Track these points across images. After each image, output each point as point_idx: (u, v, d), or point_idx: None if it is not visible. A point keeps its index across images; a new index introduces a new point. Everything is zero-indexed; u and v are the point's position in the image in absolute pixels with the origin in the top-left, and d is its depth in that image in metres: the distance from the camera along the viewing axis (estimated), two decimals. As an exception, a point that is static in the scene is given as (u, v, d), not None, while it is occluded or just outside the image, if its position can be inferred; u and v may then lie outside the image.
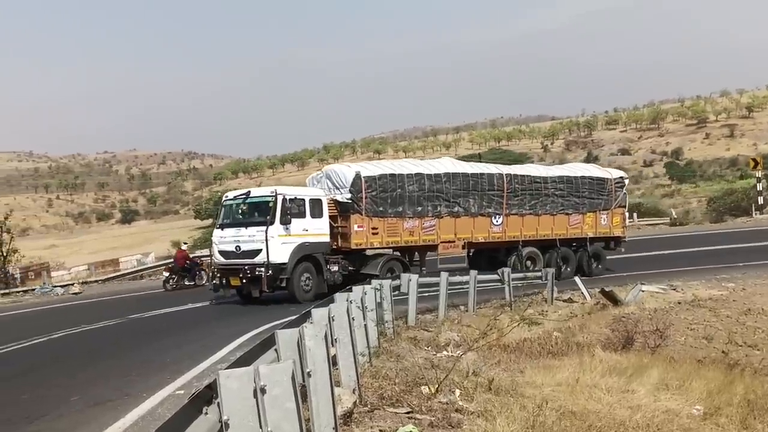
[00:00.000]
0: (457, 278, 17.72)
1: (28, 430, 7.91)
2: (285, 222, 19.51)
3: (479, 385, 8.76)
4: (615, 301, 18.44)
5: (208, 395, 4.02)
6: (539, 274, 20.09)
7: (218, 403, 3.98)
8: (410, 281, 15.25)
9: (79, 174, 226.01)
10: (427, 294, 16.50)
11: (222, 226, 20.82)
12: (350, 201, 21.01)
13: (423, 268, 22.44)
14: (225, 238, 20.31)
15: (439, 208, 22.86)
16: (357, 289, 10.75)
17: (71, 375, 11.21)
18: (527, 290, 20.53)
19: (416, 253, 23.13)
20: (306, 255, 20.08)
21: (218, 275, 20.52)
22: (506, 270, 18.79)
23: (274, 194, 19.87)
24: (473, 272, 17.77)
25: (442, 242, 23.00)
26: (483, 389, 8.61)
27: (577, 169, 28.53)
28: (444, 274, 16.65)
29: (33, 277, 39.10)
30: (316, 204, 20.63)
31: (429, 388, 8.34)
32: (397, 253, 22.40)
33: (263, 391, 4.04)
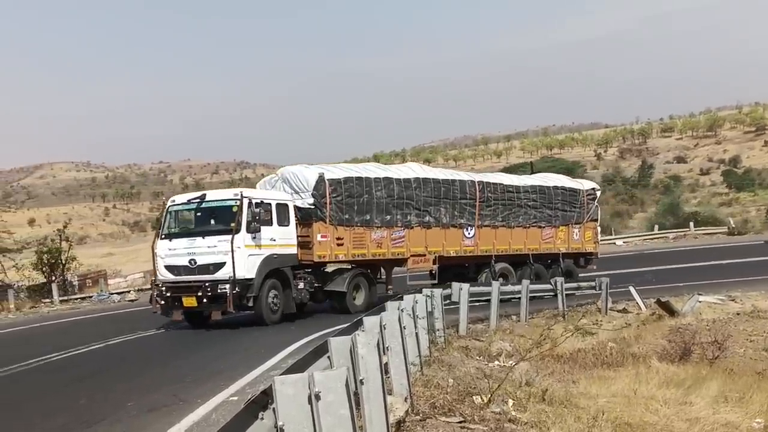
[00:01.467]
0: (509, 287, 17.62)
1: (86, 434, 8.06)
2: (253, 230, 16.73)
3: (532, 395, 8.67)
4: (671, 311, 18.08)
5: (263, 401, 4.05)
6: (593, 283, 19.81)
7: (273, 408, 4.01)
8: (461, 290, 15.18)
9: (135, 183, 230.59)
10: (477, 303, 16.42)
11: (169, 237, 17.49)
12: (313, 207, 18.41)
13: (389, 287, 20.25)
14: (174, 251, 17.10)
15: (409, 218, 20.56)
16: (408, 298, 10.74)
17: (128, 380, 11.41)
18: (580, 300, 20.30)
19: (381, 268, 20.70)
20: (273, 269, 17.33)
21: (166, 295, 17.00)
22: (560, 279, 18.58)
23: (239, 197, 16.96)
24: (525, 282, 17.65)
25: (412, 256, 20.59)
26: (536, 400, 8.52)
27: (549, 178, 26.71)
28: (495, 283, 16.58)
29: (90, 284, 39.93)
30: (282, 209, 17.92)
31: (481, 398, 8.28)
32: (361, 269, 19.67)
33: (318, 397, 4.07)
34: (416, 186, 20.74)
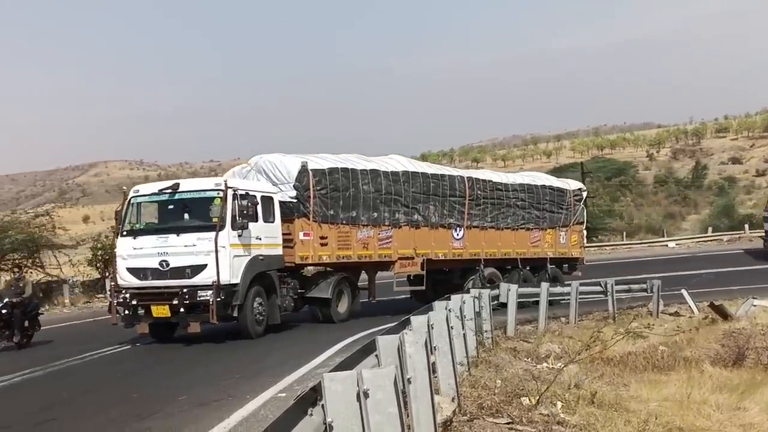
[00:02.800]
0: (558, 289, 17.48)
1: (140, 427, 8.22)
2: (239, 227, 14.37)
3: (581, 398, 8.59)
4: (725, 315, 17.72)
5: (312, 397, 4.09)
6: (644, 286, 19.52)
7: (322, 405, 4.05)
8: (509, 291, 15.11)
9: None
10: (526, 305, 16.33)
11: (133, 233, 14.86)
12: (295, 201, 16.36)
13: (372, 298, 18.59)
14: (140, 251, 14.54)
15: (396, 215, 18.54)
16: (456, 298, 10.72)
17: (178, 375, 11.61)
18: (631, 303, 20.02)
19: (362, 272, 18.86)
20: (259, 273, 15.02)
21: (130, 303, 14.45)
22: (610, 281, 18.34)
23: (222, 188, 14.54)
24: (575, 283, 17.48)
25: (399, 258, 18.50)
26: (585, 402, 8.44)
27: (537, 177, 24.99)
28: (545, 284, 16.46)
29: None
30: (267, 203, 15.58)
31: (529, 400, 8.24)
32: (344, 273, 17.79)
33: (366, 395, 4.09)
34: (405, 180, 18.81)
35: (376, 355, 6.12)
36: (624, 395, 9.37)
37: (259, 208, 15.12)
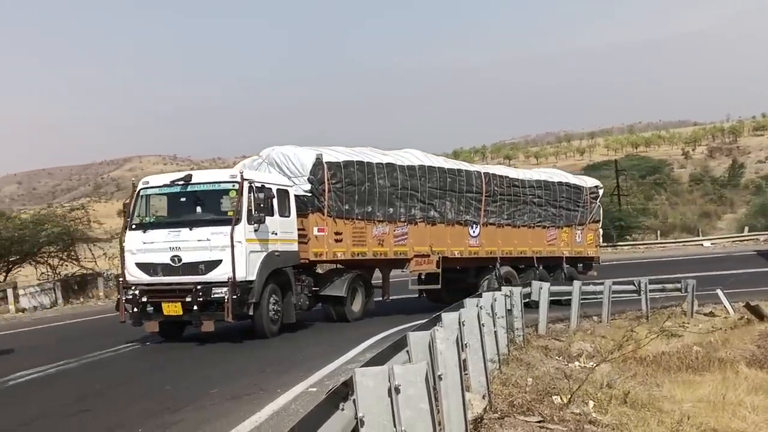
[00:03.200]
0: (590, 287, 17.32)
1: (173, 419, 8.30)
2: (256, 220, 13.82)
3: (614, 397, 8.53)
4: (761, 315, 17.45)
5: (344, 392, 4.11)
6: (679, 285, 19.28)
7: (354, 400, 4.06)
8: (541, 289, 15.04)
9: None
10: (558, 303, 16.22)
11: (143, 227, 14.32)
12: (309, 194, 15.76)
13: (387, 296, 18.12)
14: (151, 245, 13.95)
15: (413, 211, 18.03)
16: (487, 296, 10.68)
17: (210, 368, 11.70)
18: (664, 302, 19.79)
19: (375, 271, 18.40)
20: (274, 270, 14.44)
21: (140, 301, 13.85)
22: (644, 280, 18.13)
23: (237, 179, 13.95)
24: (608, 281, 17.30)
25: (415, 256, 18.04)
26: (618, 402, 8.38)
27: (554, 174, 24.14)
28: (577, 283, 16.35)
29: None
30: (283, 197, 15.03)
31: (561, 398, 8.19)
32: (358, 271, 17.17)
33: (398, 390, 4.10)
34: (421, 175, 18.27)
35: (407, 351, 6.11)
36: (657, 395, 9.28)
37: (275, 201, 14.59)
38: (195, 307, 13.44)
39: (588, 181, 24.59)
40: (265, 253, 14.14)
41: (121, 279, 14.63)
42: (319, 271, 17.27)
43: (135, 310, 13.98)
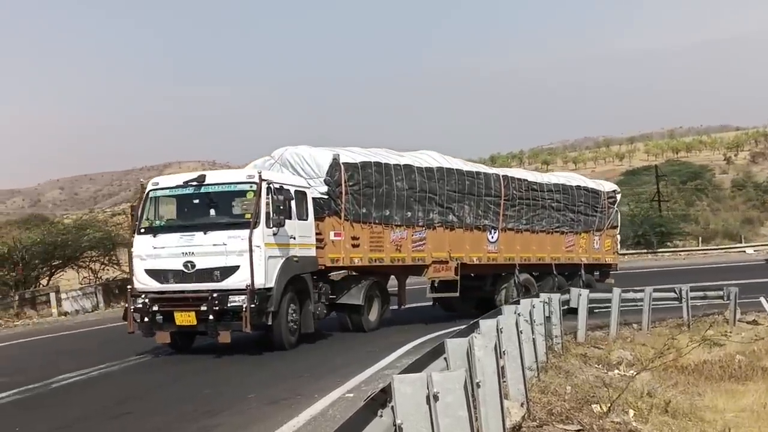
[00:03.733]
0: (630, 295, 17.11)
1: (212, 422, 8.39)
2: (276, 224, 12.98)
3: (654, 406, 8.42)
4: (806, 325, 17.08)
5: (382, 398, 4.11)
6: (721, 293, 18.95)
7: (392, 407, 4.06)
8: (580, 296, 14.90)
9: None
10: (596, 310, 16.04)
11: (153, 231, 13.48)
12: (326, 197, 14.95)
13: (402, 305, 17.43)
14: (162, 250, 13.16)
15: (431, 215, 17.18)
16: (525, 302, 10.62)
17: (249, 373, 11.78)
18: (706, 310, 19.48)
19: (390, 277, 17.46)
20: (293, 276, 13.64)
21: (151, 310, 13.02)
22: (685, 287, 17.86)
23: (255, 180, 13.09)
24: (648, 288, 17.07)
25: (433, 262, 17.22)
26: (659, 411, 8.27)
27: (571, 178, 23.25)
28: (616, 290, 16.14)
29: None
30: (302, 199, 14.26)
31: (600, 407, 8.10)
32: (374, 278, 16.34)
33: (436, 397, 4.08)
34: (439, 177, 17.45)
35: (445, 359, 6.10)
36: (699, 405, 9.15)
37: (293, 203, 13.78)
38: (211, 317, 12.61)
39: (605, 186, 23.91)
40: (283, 259, 13.35)
41: (129, 287, 13.69)
42: (333, 277, 16.30)
43: (145, 319, 13.11)
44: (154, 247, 13.21)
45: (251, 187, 13.18)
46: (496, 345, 6.13)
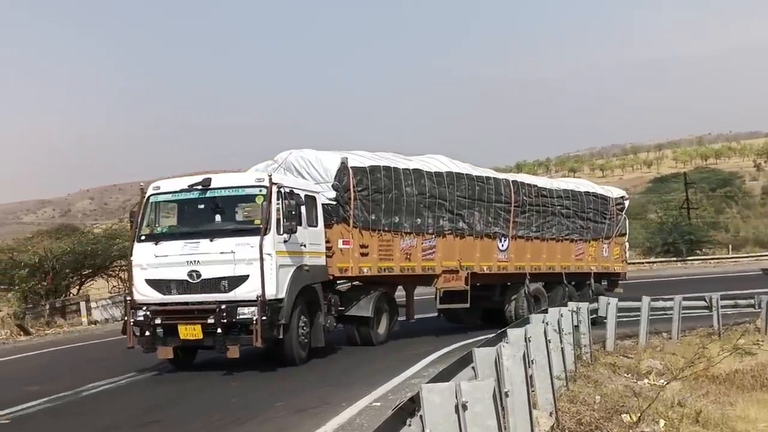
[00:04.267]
0: (660, 303, 16.95)
1: (240, 431, 8.42)
2: (288, 230, 12.30)
3: (685, 416, 8.32)
4: (840, 334, 16.80)
5: (411, 408, 4.10)
6: (752, 301, 18.70)
7: (421, 416, 4.05)
8: (609, 305, 14.79)
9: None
10: (625, 319, 15.90)
11: (154, 238, 12.74)
12: (334, 203, 14.24)
13: (411, 317, 16.51)
14: (164, 259, 12.38)
15: (441, 222, 16.40)
16: (553, 311, 10.57)
17: (276, 382, 11.80)
18: (737, 319, 19.23)
19: (398, 286, 16.61)
20: (304, 287, 12.92)
21: (153, 323, 12.23)
22: (715, 295, 17.65)
23: (265, 183, 12.40)
24: (678, 297, 16.89)
25: (444, 272, 16.41)
26: (690, 421, 8.18)
27: (579, 184, 22.66)
28: (646, 298, 15.98)
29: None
30: (311, 204, 13.57)
31: (630, 417, 8.03)
32: (382, 288, 15.47)
33: (465, 407, 4.07)
34: (449, 182, 16.65)
35: (473, 368, 6.08)
36: (731, 415, 9.02)
37: (303, 209, 13.08)
38: (219, 330, 11.84)
39: (613, 192, 23.00)
40: (294, 268, 12.62)
41: (128, 298, 12.85)
42: (339, 288, 15.40)
43: (146, 333, 12.29)
44: (156, 256, 12.44)
45: (260, 191, 12.40)
46: (524, 354, 6.10)
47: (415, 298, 16.84)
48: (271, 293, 11.90)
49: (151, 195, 13.07)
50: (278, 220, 12.22)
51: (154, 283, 12.41)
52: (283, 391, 10.76)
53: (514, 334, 7.52)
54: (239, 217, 13.11)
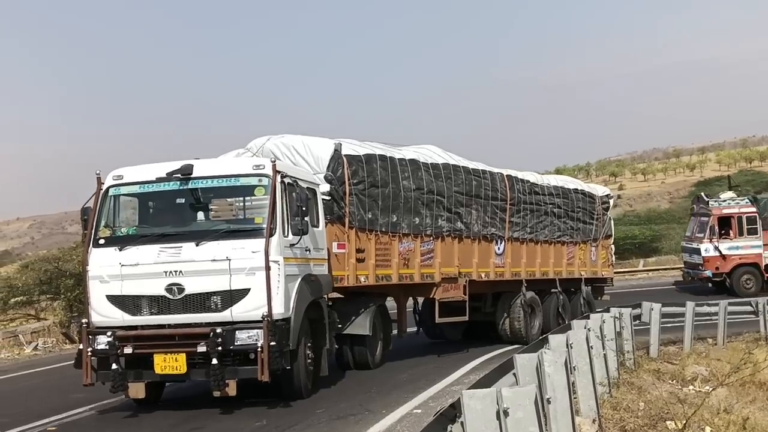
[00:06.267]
0: (704, 308, 16.70)
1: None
2: (297, 231, 9.87)
3: (732, 423, 8.19)
4: None
5: (452, 414, 4.10)
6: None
7: (462, 422, 4.05)
8: (652, 310, 14.59)
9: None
10: (669, 325, 15.70)
11: (118, 243, 9.89)
12: (328, 198, 11.71)
13: (403, 332, 14.15)
14: (133, 269, 9.62)
15: (439, 222, 14.18)
16: (595, 317, 10.49)
17: (315, 388, 11.81)
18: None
19: (387, 298, 14.07)
20: (311, 302, 10.47)
21: (119, 352, 9.48)
22: (762, 300, 17.31)
23: (266, 172, 9.85)
24: (723, 302, 16.61)
25: (443, 279, 14.17)
26: (736, 428, 8.04)
27: (567, 180, 20.63)
28: (690, 303, 15.76)
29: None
30: (313, 199, 10.92)
31: (675, 424, 7.92)
32: (375, 300, 13.15)
33: (506, 413, 4.06)
34: (446, 176, 14.43)
35: (514, 374, 6.05)
36: (779, 422, 8.83)
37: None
38: (214, 361, 9.20)
39: (598, 190, 21.18)
40: (300, 279, 10.12)
41: (83, 321, 9.88)
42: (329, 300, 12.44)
43: (113, 366, 9.45)
44: (122, 265, 9.64)
45: (260, 180, 9.86)
46: (566, 360, 6.06)
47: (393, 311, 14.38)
48: (278, 312, 9.44)
49: (111, 186, 10.18)
50: (284, 218, 9.87)
51: (119, 301, 9.67)
52: (325, 397, 10.75)
53: (555, 340, 7.47)
54: (237, 213, 10.76)
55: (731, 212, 27.07)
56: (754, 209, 27.23)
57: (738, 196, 29.18)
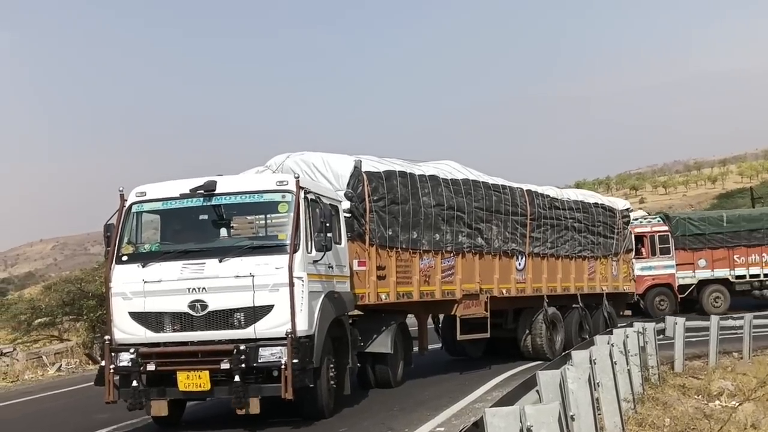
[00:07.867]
0: (729, 323, 16.55)
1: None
2: (321, 247, 9.92)
3: (760, 439, 8.05)
4: None
5: (475, 432, 4.08)
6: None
7: (485, 441, 4.02)
8: (676, 324, 14.47)
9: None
10: (694, 339, 15.55)
11: (141, 259, 9.99)
12: (348, 215, 11.75)
13: (424, 350, 14.16)
14: (156, 285, 9.69)
15: (459, 238, 14.18)
16: (618, 332, 10.41)
17: (338, 406, 11.76)
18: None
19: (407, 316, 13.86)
20: (334, 320, 10.42)
21: (141, 369, 9.49)
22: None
23: (290, 188, 9.92)
24: (748, 315, 16.42)
25: (464, 296, 14.15)
26: (765, 444, 7.90)
27: (587, 194, 20.33)
28: (714, 318, 15.61)
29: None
30: (335, 216, 10.79)
31: (702, 440, 7.81)
32: (395, 317, 13.02)
33: (529, 431, 4.02)
34: (466, 191, 14.49)
35: (537, 391, 6.00)
36: (808, 437, 8.69)
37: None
38: (237, 378, 9.15)
39: (618, 204, 20.91)
40: (323, 296, 10.12)
41: (106, 338, 9.94)
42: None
43: (134, 383, 9.41)
44: (145, 281, 9.72)
45: (284, 197, 9.92)
46: (589, 377, 6.01)
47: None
48: (302, 328, 9.43)
49: (134, 203, 10.29)
50: (309, 235, 9.93)
51: (142, 318, 9.71)
52: (348, 416, 10.69)
53: (578, 356, 7.42)
54: (261, 229, 10.99)
55: (643, 231, 26.34)
56: (666, 228, 26.72)
57: (653, 216, 28.58)
